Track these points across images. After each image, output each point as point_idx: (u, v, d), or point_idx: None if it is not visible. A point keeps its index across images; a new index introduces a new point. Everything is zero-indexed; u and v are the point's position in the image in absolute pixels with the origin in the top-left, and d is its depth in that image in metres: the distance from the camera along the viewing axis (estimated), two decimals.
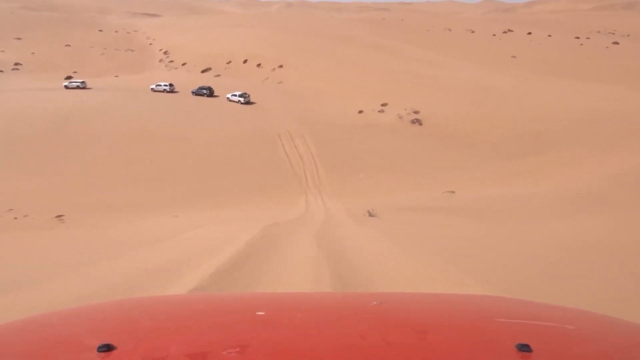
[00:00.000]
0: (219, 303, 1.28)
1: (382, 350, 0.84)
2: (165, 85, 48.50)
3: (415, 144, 33.06)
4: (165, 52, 77.89)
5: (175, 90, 48.58)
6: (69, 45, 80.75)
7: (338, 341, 0.89)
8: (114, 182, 28.92)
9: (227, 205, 26.04)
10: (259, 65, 63.93)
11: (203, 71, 65.66)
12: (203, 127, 37.42)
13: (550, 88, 44.01)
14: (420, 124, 35.95)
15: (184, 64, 70.73)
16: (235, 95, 46.06)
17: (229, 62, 67.24)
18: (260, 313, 1.05)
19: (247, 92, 46.88)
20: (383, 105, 40.92)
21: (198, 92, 47.78)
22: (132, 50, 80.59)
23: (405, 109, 38.49)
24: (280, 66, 61.22)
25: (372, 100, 42.80)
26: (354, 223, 14.35)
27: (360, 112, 40.31)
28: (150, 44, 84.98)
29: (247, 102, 45.67)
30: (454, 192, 23.88)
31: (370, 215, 16.14)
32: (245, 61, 66.34)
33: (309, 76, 55.16)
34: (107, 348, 0.81)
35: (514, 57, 63.17)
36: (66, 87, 47.59)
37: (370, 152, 32.56)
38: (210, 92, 47.66)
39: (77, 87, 47.47)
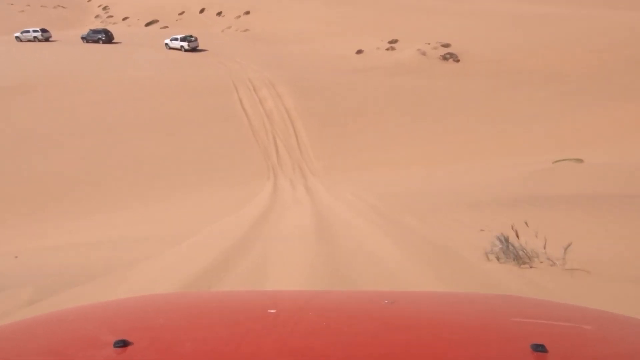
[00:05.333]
0: (231, 300, 1.28)
1: (394, 349, 0.81)
2: (35, 32, 34.77)
3: (456, 85, 20.25)
4: (104, 8, 62.25)
5: (50, 38, 35.28)
6: None
7: (351, 340, 0.87)
8: None
9: (122, 205, 12.93)
10: (219, 13, 49.56)
11: (147, 24, 50.96)
12: (111, 77, 23.63)
13: (621, 14, 31.51)
14: (457, 60, 23.06)
15: (125, 19, 55.75)
16: (176, 40, 32.06)
17: (181, 13, 52.55)
18: (272, 311, 1.03)
19: (194, 36, 32.89)
20: (392, 42, 27.79)
21: (90, 38, 34.13)
22: (64, 7, 64.62)
23: (429, 43, 25.47)
24: (247, 12, 47.04)
25: (375, 38, 29.57)
26: None
27: (360, 52, 27.12)
28: (89, 0, 68.84)
29: (194, 49, 31.79)
30: (581, 160, 11.41)
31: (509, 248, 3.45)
32: (202, 10, 51.83)
33: (285, 18, 41.30)
34: (123, 344, 0.80)
35: None
36: None
37: (381, 101, 19.68)
38: (107, 38, 34.41)
39: None
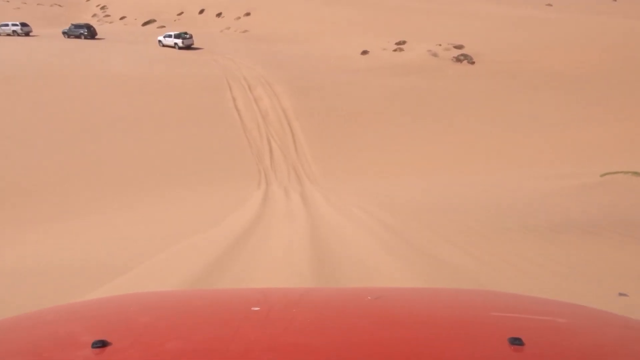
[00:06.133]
0: (214, 298, 1.21)
1: (376, 344, 0.81)
2: (14, 26, 33.20)
3: (471, 87, 18.37)
4: (102, 7, 60.93)
5: (31, 32, 33.90)
6: None
7: (334, 336, 0.86)
8: None
9: (71, 213, 10.86)
10: (219, 15, 48.11)
11: (144, 24, 49.49)
12: (94, 74, 21.76)
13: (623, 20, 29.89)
14: (472, 62, 21.24)
15: (122, 18, 54.34)
16: (170, 37, 30.30)
17: (180, 14, 51.12)
18: (256, 309, 1.01)
19: (189, 33, 31.17)
20: (400, 43, 26.05)
21: (72, 33, 32.85)
22: (60, 6, 63.38)
23: (440, 44, 23.70)
24: (247, 14, 45.57)
25: (381, 39, 27.86)
26: None
27: (365, 52, 25.36)
28: (87, 0, 67.61)
29: (188, 47, 30.02)
30: (639, 173, 9.43)
31: None
32: (201, 11, 50.44)
33: (285, 20, 39.75)
34: (102, 344, 0.77)
35: (549, 5, 49.25)
36: None
37: (386, 102, 17.78)
38: (90, 33, 33.16)
39: None
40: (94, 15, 58.56)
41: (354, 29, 32.01)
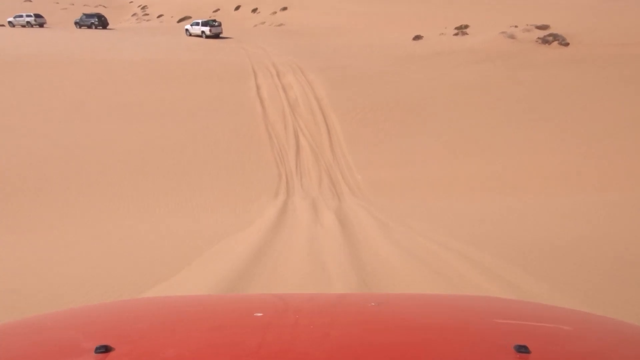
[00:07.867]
0: (217, 304, 1.21)
1: (379, 351, 0.81)
2: (28, 17, 32.56)
3: (574, 75, 13.59)
4: (142, 8, 61.15)
5: (45, 24, 33.29)
6: (30, 1, 65.36)
7: (336, 343, 0.85)
8: None
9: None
10: (254, 10, 45.73)
11: (179, 20, 48.18)
12: (102, 59, 19.15)
13: None
14: (566, 44, 16.35)
15: (159, 16, 53.66)
16: (197, 25, 27.68)
17: (216, 10, 49.43)
18: (258, 314, 1.02)
19: (217, 20, 28.42)
20: (461, 28, 21.52)
21: (83, 23, 31.76)
22: (105, 7, 64.36)
23: (517, 26, 18.96)
24: (284, 9, 42.76)
25: (435, 26, 23.44)
26: None
27: (418, 37, 21.07)
28: (131, 1, 68.60)
29: (216, 35, 27.19)
30: None
31: None
32: (237, 7, 48.50)
33: (325, 14, 36.34)
34: (105, 349, 0.77)
35: None
36: None
37: (452, 93, 13.38)
38: (101, 23, 31.87)
39: None
40: (134, 14, 58.67)
41: (402, 21, 27.79)
